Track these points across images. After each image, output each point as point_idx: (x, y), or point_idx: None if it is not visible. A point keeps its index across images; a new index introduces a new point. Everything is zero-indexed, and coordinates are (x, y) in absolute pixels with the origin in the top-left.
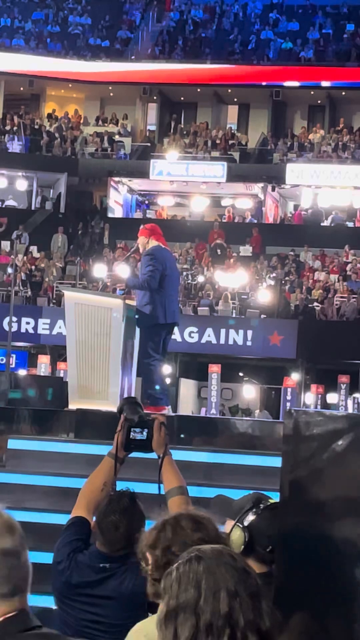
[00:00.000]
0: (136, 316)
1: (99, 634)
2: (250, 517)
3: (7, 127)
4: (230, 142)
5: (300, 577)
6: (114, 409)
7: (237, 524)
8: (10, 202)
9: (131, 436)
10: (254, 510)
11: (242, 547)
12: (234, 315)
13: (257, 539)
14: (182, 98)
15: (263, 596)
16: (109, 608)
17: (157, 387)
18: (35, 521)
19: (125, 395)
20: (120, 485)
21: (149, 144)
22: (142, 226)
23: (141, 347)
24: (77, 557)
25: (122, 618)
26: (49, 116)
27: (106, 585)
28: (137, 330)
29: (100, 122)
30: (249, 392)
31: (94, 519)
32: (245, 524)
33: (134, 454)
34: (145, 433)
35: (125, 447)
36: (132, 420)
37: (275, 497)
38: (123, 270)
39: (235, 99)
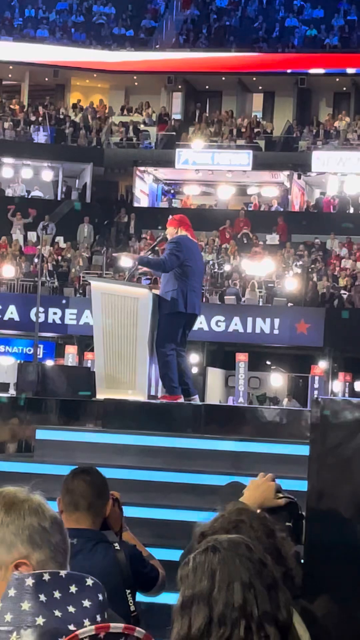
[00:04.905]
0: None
1: None
2: None
3: (33, 118)
4: (256, 130)
5: (328, 563)
6: (141, 398)
7: None
8: (36, 193)
9: None
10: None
11: None
12: (260, 304)
13: None
14: (206, 87)
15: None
16: None
17: (173, 377)
18: None
19: (153, 385)
20: (145, 475)
21: (174, 133)
22: (170, 216)
23: (158, 335)
24: None
25: None
26: (74, 106)
27: (75, 561)
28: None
29: (125, 112)
30: (277, 380)
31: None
32: None
33: (159, 442)
34: None
35: None
36: None
37: (303, 485)
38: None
39: (260, 87)
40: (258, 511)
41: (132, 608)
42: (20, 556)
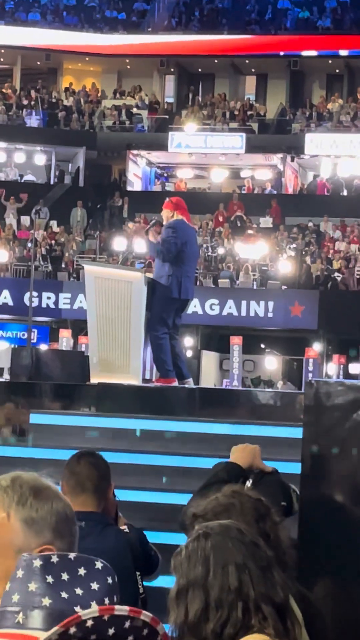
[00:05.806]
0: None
1: None
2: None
3: (25, 102)
4: (249, 113)
5: (323, 544)
6: (135, 382)
7: None
8: (29, 177)
9: None
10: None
11: None
12: (254, 287)
13: None
14: (199, 69)
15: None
16: None
17: (167, 360)
18: None
19: (147, 369)
20: (138, 458)
21: (167, 117)
22: (167, 199)
23: (150, 318)
24: None
25: None
26: (67, 90)
27: (84, 543)
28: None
29: (117, 95)
30: (271, 363)
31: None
32: None
33: (153, 426)
34: None
35: None
36: None
37: (298, 468)
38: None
39: (253, 70)
40: (248, 484)
41: (141, 590)
42: (46, 541)
